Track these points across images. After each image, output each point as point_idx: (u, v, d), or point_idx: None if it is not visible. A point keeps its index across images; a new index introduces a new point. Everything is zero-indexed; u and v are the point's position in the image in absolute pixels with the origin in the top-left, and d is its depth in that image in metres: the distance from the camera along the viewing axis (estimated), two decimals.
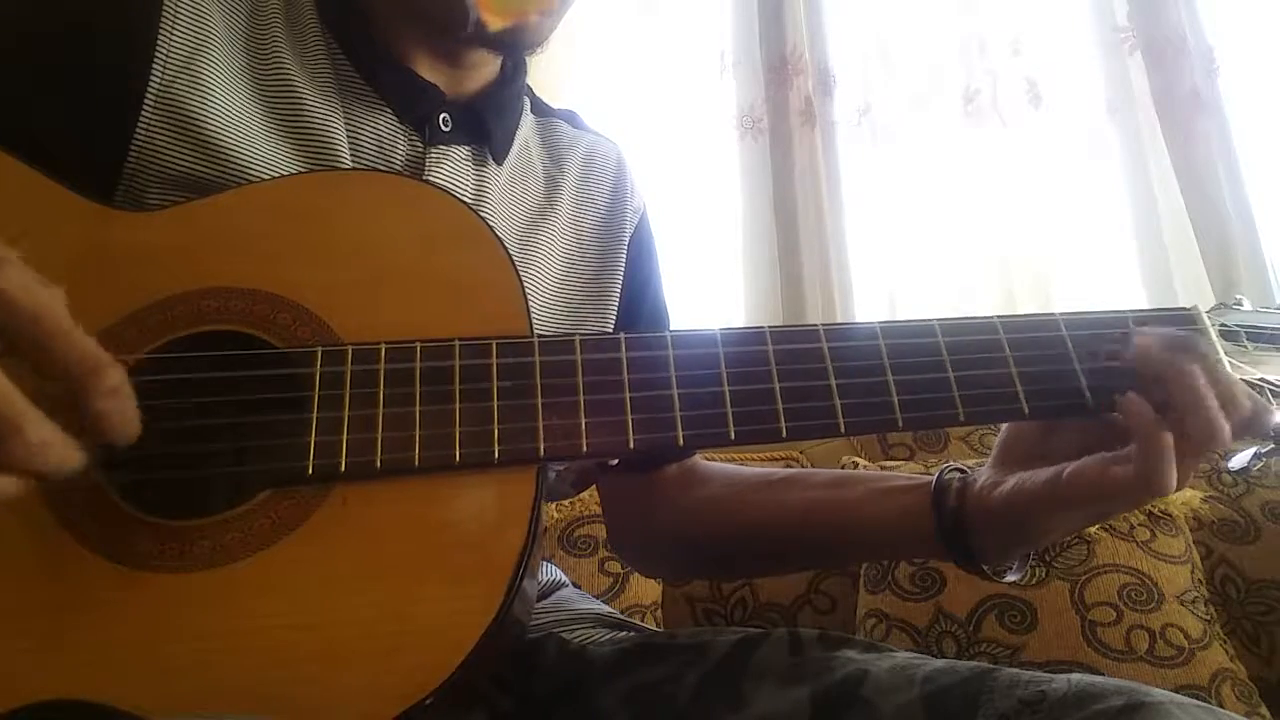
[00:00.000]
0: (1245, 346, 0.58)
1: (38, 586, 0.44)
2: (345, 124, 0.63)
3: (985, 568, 0.62)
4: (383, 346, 0.51)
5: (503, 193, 0.70)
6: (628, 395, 0.52)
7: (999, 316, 0.57)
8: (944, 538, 0.62)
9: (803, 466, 1.49)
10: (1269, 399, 0.55)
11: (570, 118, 0.82)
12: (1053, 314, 0.58)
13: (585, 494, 1.32)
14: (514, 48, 0.68)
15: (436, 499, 0.48)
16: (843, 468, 1.42)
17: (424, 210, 0.56)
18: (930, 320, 0.56)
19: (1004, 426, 0.63)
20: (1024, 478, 0.58)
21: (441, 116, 0.66)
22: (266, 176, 0.57)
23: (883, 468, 1.43)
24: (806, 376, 0.53)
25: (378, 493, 0.48)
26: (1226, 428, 0.52)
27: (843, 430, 0.53)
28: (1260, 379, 0.56)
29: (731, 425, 0.52)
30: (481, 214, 0.57)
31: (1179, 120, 1.77)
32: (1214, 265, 1.70)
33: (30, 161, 0.52)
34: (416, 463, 0.48)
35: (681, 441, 0.51)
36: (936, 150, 1.89)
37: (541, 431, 0.50)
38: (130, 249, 0.53)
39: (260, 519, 0.47)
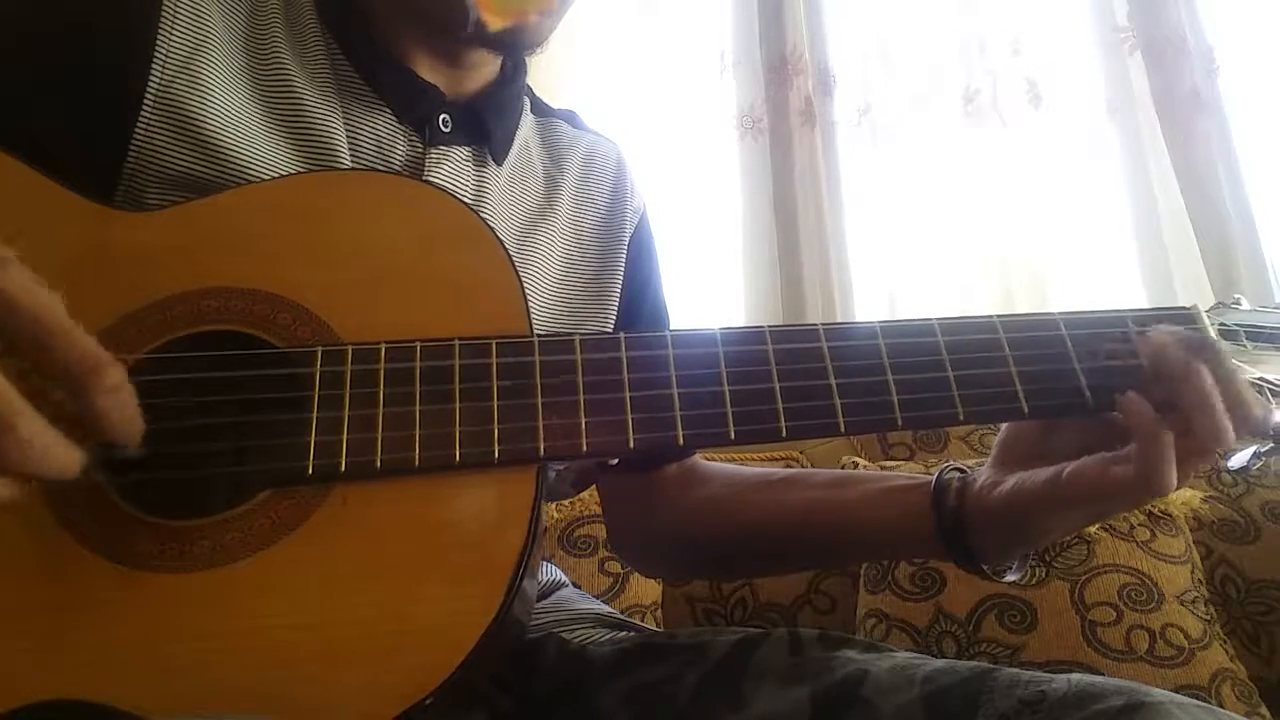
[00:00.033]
0: (1244, 346, 0.58)
1: (38, 586, 0.44)
2: (345, 124, 0.63)
3: (985, 568, 0.62)
4: (383, 346, 0.51)
5: (502, 193, 0.70)
6: (628, 395, 0.52)
7: (999, 316, 0.57)
8: (944, 538, 0.62)
9: (803, 466, 1.49)
10: (1268, 398, 0.55)
11: (570, 118, 0.82)
12: (1052, 313, 0.58)
13: (585, 494, 1.32)
14: (514, 48, 0.68)
15: (436, 499, 0.48)
16: (843, 468, 1.42)
17: (423, 210, 0.56)
18: (930, 320, 0.56)
19: (1004, 426, 0.63)
20: (1023, 477, 0.58)
21: (441, 117, 0.66)
22: (266, 176, 0.57)
23: (883, 468, 1.43)
24: (806, 376, 0.53)
25: (378, 493, 0.48)
26: (1231, 429, 0.52)
27: (843, 430, 0.53)
28: (1259, 378, 0.56)
29: (731, 425, 0.52)
30: (481, 214, 0.57)
31: (1179, 120, 1.77)
32: (1214, 265, 1.70)
33: (30, 161, 0.52)
34: (416, 463, 0.48)
35: (681, 441, 0.51)
36: (936, 150, 1.89)
37: (541, 431, 0.50)
38: (129, 249, 0.53)
39: (260, 519, 0.47)
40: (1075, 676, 0.49)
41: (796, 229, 1.87)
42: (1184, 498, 1.34)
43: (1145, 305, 0.60)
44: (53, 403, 0.37)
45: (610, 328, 0.76)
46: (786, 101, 1.93)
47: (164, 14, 0.58)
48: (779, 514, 0.72)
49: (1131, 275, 1.78)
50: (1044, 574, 1.23)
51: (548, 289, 0.71)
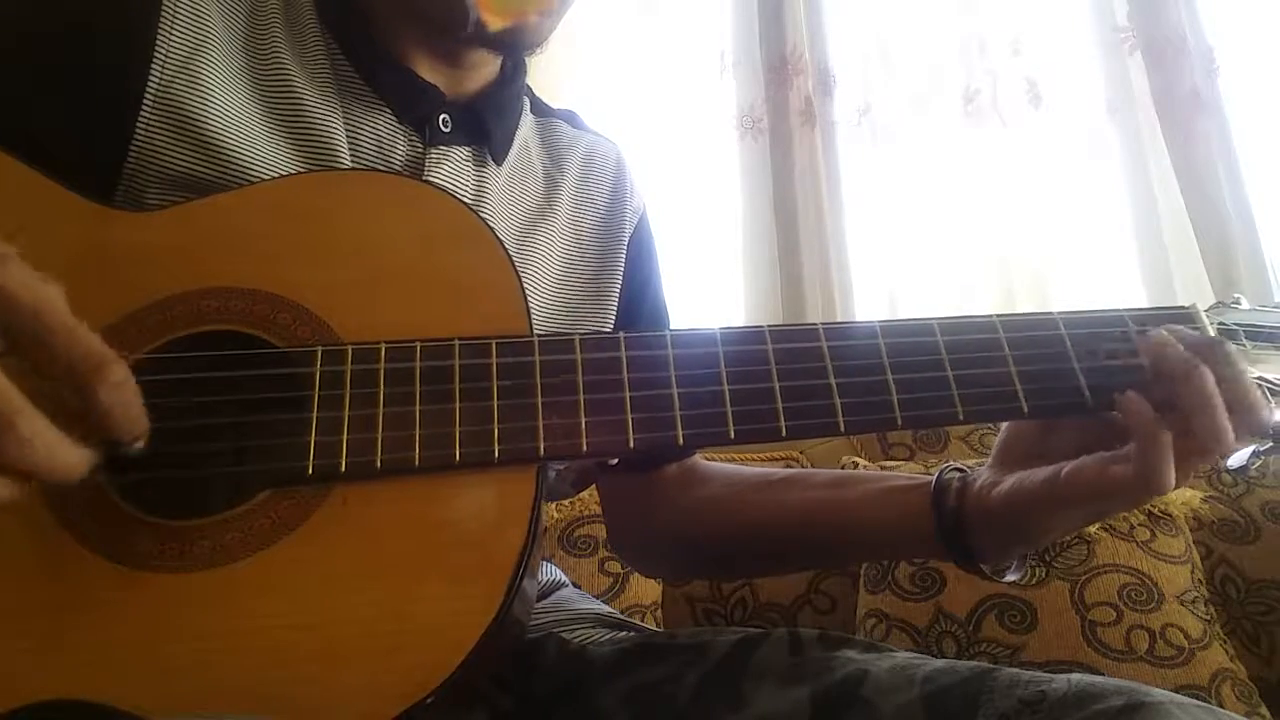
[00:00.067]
0: (1244, 345, 0.58)
1: (38, 586, 0.44)
2: (345, 124, 0.63)
3: (984, 568, 0.62)
4: (383, 346, 0.51)
5: (502, 193, 0.70)
6: (627, 394, 0.52)
7: (998, 315, 0.57)
8: (944, 538, 0.62)
9: (803, 466, 1.49)
10: (1267, 397, 0.55)
11: (570, 118, 0.82)
12: (1052, 313, 0.58)
13: (585, 494, 1.32)
14: (514, 48, 0.68)
15: (436, 498, 0.48)
16: (843, 468, 1.42)
17: (423, 210, 0.56)
18: (929, 319, 0.56)
19: (1004, 426, 0.63)
20: (1022, 477, 0.58)
21: (441, 117, 0.66)
22: (266, 176, 0.57)
23: (883, 468, 1.43)
24: (806, 376, 0.53)
25: (378, 492, 0.48)
26: (1231, 430, 0.52)
27: (842, 429, 0.53)
28: (1259, 377, 0.56)
29: (731, 424, 0.52)
30: (481, 214, 0.57)
31: (1179, 120, 1.77)
32: (1214, 265, 1.70)
33: (30, 161, 0.52)
34: (416, 462, 0.48)
35: (681, 441, 0.51)
36: (936, 150, 1.89)
37: (541, 431, 0.50)
38: (130, 249, 0.53)
39: (260, 519, 0.47)
40: (1075, 676, 0.49)
41: (796, 229, 1.87)
42: (1184, 498, 1.34)
43: (1145, 305, 0.60)
44: (53, 401, 0.37)
45: (610, 328, 0.76)
46: (786, 101, 1.93)
47: (164, 14, 0.58)
48: (779, 514, 0.72)
49: (1131, 275, 1.78)
50: (1044, 574, 1.23)
51: (547, 289, 0.71)
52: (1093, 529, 1.25)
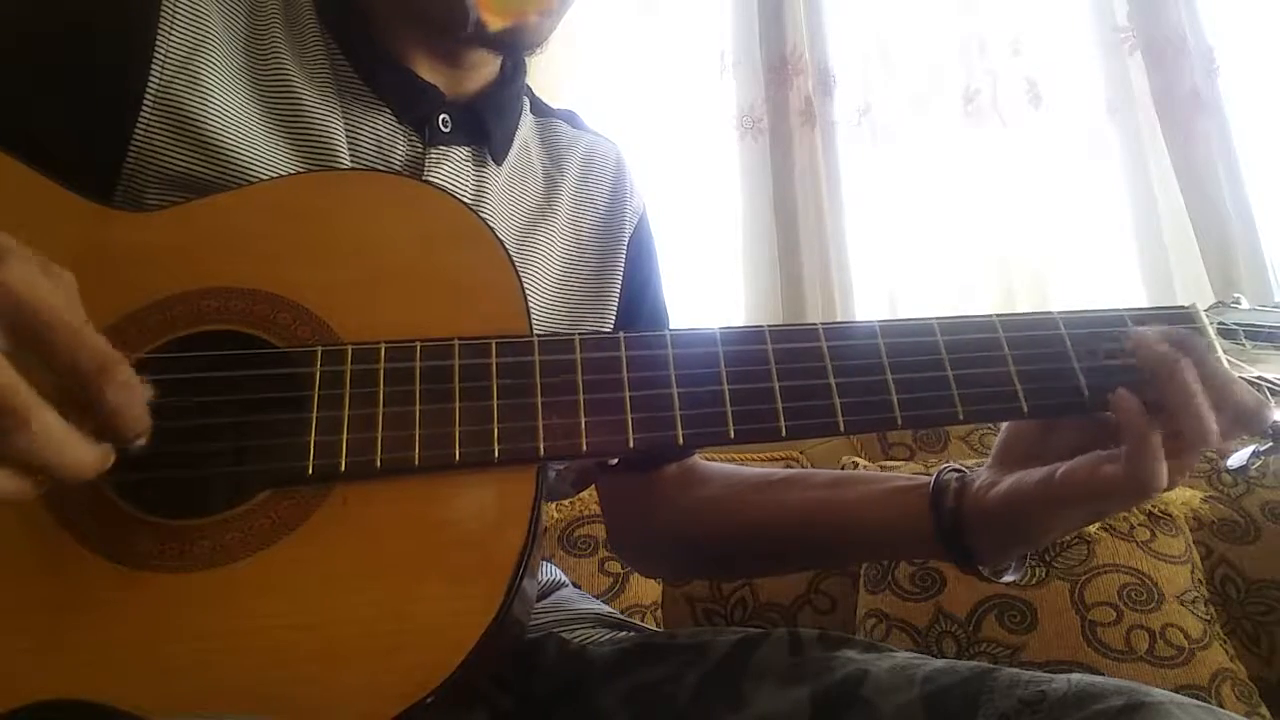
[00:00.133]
0: (1244, 345, 0.58)
1: (38, 586, 0.44)
2: (344, 124, 0.63)
3: (983, 568, 0.62)
4: (382, 346, 0.51)
5: (502, 193, 0.70)
6: (627, 394, 0.52)
7: (998, 315, 0.57)
8: (942, 538, 0.62)
9: (803, 466, 1.49)
10: (1267, 397, 0.54)
11: (570, 118, 0.82)
12: (1051, 313, 0.58)
13: (585, 494, 1.32)
14: (514, 48, 0.68)
15: (436, 498, 0.48)
16: (843, 468, 1.42)
17: (423, 210, 0.56)
18: (929, 319, 0.56)
19: (1003, 426, 0.63)
20: (1020, 478, 0.58)
21: (441, 117, 0.66)
22: (265, 176, 0.57)
23: (883, 468, 1.43)
24: (806, 375, 0.53)
25: (378, 492, 0.48)
26: (1215, 427, 0.52)
27: (842, 429, 0.53)
28: (1258, 377, 0.56)
29: (731, 424, 0.52)
30: (481, 214, 0.57)
31: (1179, 120, 1.77)
32: (1214, 265, 1.70)
33: (30, 161, 0.52)
34: (416, 462, 0.48)
35: (681, 441, 0.51)
36: (936, 150, 1.89)
37: (541, 431, 0.50)
38: (129, 249, 0.53)
39: (260, 519, 0.47)
40: (1075, 676, 0.49)
41: (796, 229, 1.87)
42: (1184, 498, 1.34)
43: (1145, 305, 0.60)
44: (63, 398, 0.37)
45: (610, 327, 0.76)
46: (786, 101, 1.93)
47: (163, 14, 0.58)
48: (779, 514, 0.72)
49: (1131, 275, 1.78)
50: (1044, 574, 1.23)
51: (547, 289, 0.71)
52: (1093, 529, 1.25)
